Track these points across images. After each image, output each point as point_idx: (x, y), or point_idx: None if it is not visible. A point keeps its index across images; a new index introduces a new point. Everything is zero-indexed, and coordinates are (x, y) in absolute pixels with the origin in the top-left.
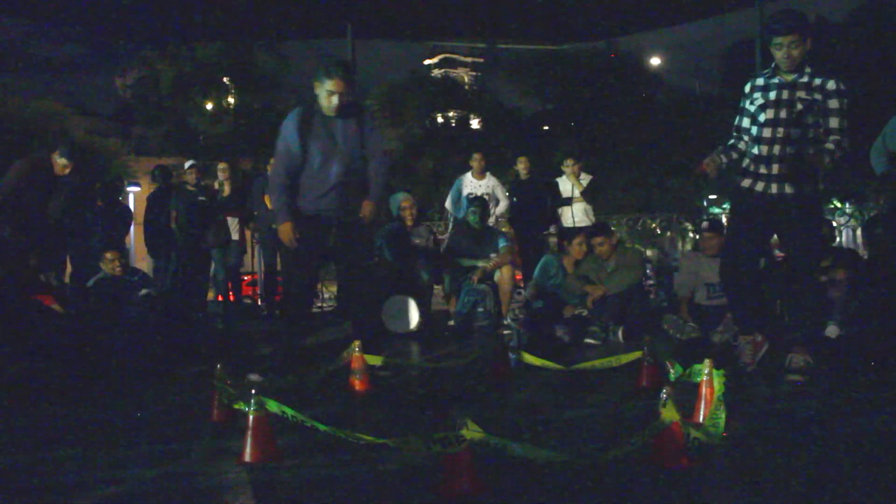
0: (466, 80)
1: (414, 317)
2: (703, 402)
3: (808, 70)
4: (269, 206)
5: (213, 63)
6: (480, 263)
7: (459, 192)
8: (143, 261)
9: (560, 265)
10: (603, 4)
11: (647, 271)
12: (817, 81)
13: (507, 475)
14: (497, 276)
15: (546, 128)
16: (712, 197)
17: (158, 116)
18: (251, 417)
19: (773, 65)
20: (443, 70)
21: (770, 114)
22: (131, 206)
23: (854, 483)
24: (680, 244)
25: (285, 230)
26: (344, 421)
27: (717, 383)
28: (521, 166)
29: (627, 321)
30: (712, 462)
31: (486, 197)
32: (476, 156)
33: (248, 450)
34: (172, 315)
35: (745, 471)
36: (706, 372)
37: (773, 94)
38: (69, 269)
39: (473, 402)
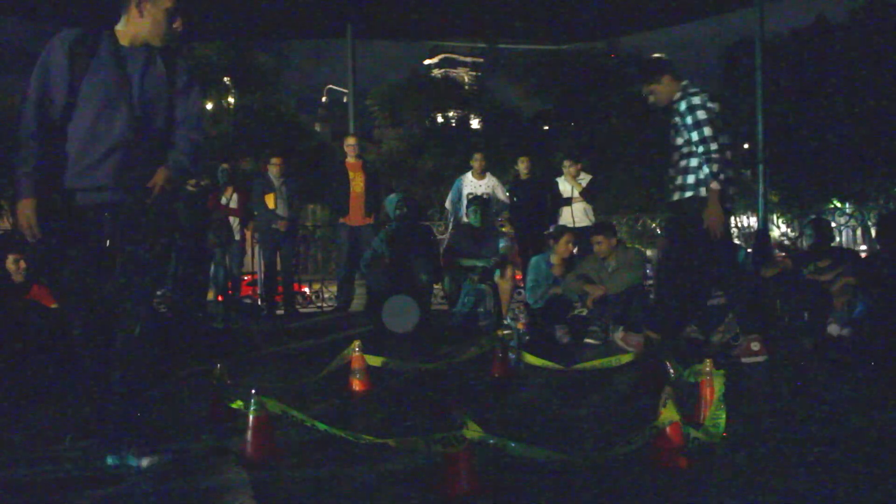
0: (466, 80)
1: (414, 317)
2: (703, 402)
3: (678, 95)
4: (269, 206)
5: (213, 63)
6: (480, 263)
7: (459, 192)
8: None
9: (548, 264)
10: (603, 4)
11: (647, 271)
12: (676, 106)
13: (507, 475)
14: (497, 276)
15: (546, 128)
16: None
17: None
18: (251, 417)
19: None
20: (443, 70)
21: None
22: None
23: (854, 483)
24: None
25: (24, 210)
26: (344, 421)
27: (717, 383)
28: (522, 166)
29: (627, 321)
30: (712, 462)
31: (486, 196)
32: (476, 156)
33: (248, 450)
34: (172, 315)
35: (745, 471)
36: (706, 372)
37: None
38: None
39: (473, 402)
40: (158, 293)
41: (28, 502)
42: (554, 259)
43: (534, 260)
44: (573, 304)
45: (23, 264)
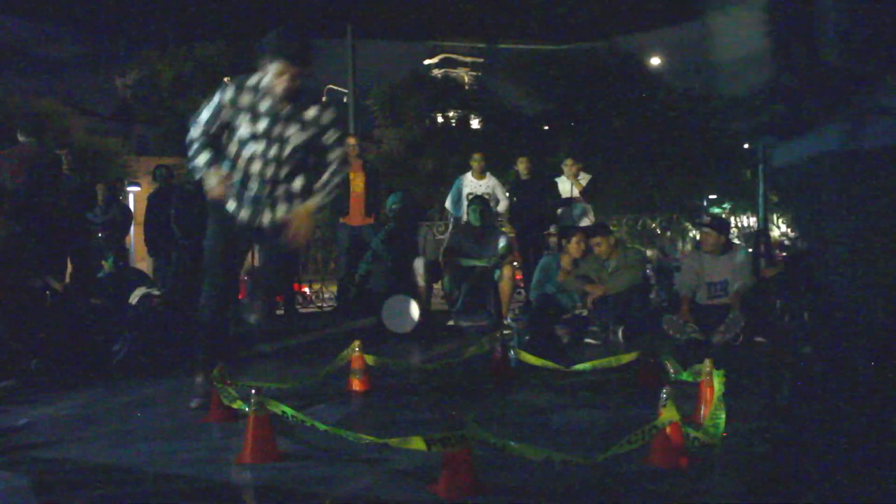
0: (466, 80)
1: (414, 317)
2: (703, 402)
3: None
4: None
5: (213, 63)
6: (480, 263)
7: (459, 192)
8: (142, 261)
9: (558, 265)
10: (603, 4)
11: (647, 271)
12: None
13: (507, 475)
14: (497, 276)
15: (546, 128)
16: (712, 197)
17: (158, 116)
18: (251, 417)
19: None
20: (443, 70)
21: None
22: (131, 206)
23: (854, 483)
24: (680, 244)
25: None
26: (344, 421)
27: (717, 383)
28: (522, 166)
29: (627, 321)
30: (712, 462)
31: (486, 196)
32: (476, 156)
33: (248, 450)
34: (173, 315)
35: (745, 471)
36: (706, 372)
37: None
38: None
39: (473, 402)
40: (157, 293)
41: (28, 502)
42: (564, 260)
43: (544, 260)
44: (569, 306)
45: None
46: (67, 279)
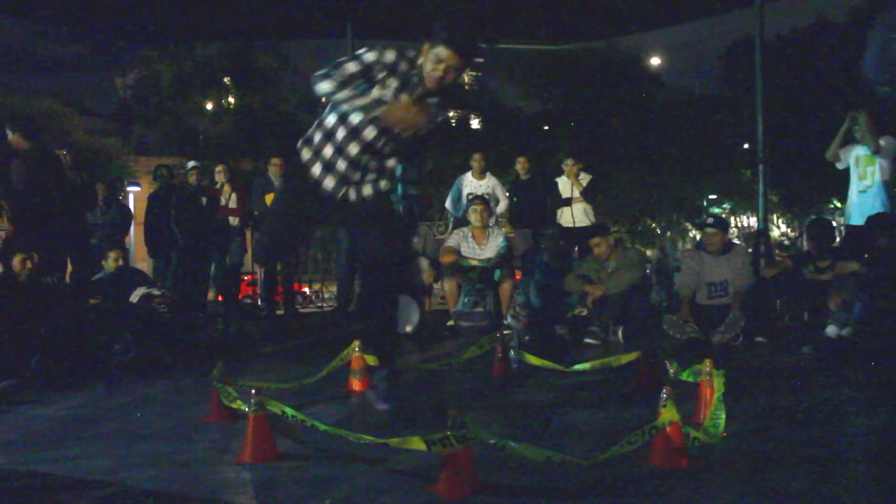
0: (466, 79)
1: (414, 317)
2: (703, 402)
3: None
4: (269, 205)
5: (213, 63)
6: (480, 263)
7: (459, 192)
8: (142, 261)
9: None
10: (603, 4)
11: (647, 271)
12: None
13: (507, 475)
14: (497, 276)
15: (546, 128)
16: (712, 197)
17: (158, 116)
18: (251, 417)
19: None
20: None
21: None
22: (131, 206)
23: (854, 483)
24: (680, 244)
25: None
26: (344, 421)
27: (717, 383)
28: (521, 166)
29: (627, 321)
30: (712, 462)
31: (486, 196)
32: (476, 156)
33: (248, 450)
34: (173, 315)
35: (745, 471)
36: (706, 372)
37: None
38: (69, 269)
39: (473, 402)
40: (157, 293)
41: (28, 502)
42: (591, 262)
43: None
44: (573, 304)
45: (29, 264)
46: (67, 279)
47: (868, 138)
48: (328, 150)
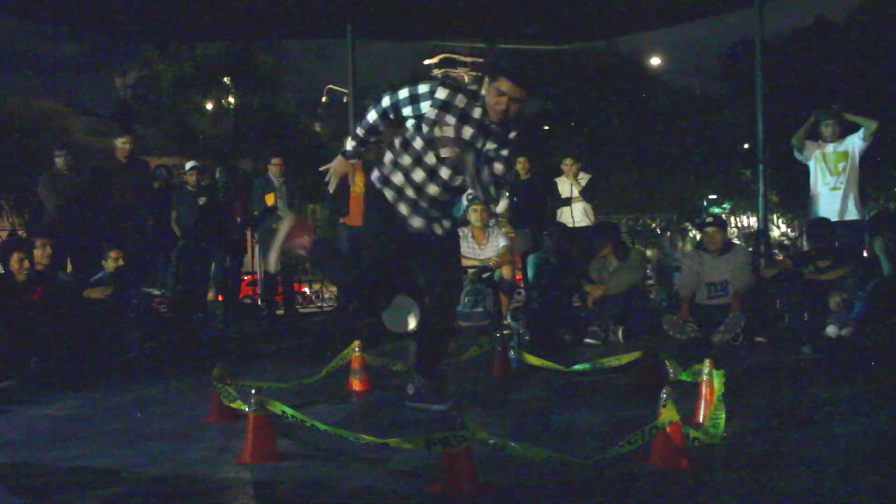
0: (466, 80)
1: (414, 317)
2: (703, 402)
3: None
4: (269, 205)
5: (213, 63)
6: (480, 263)
7: None
8: None
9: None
10: (603, 4)
11: (647, 271)
12: None
13: (507, 475)
14: (497, 276)
15: (546, 128)
16: (712, 197)
17: (158, 116)
18: (251, 417)
19: None
20: (443, 70)
21: None
22: None
23: (854, 483)
24: (680, 244)
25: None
26: (344, 421)
27: (717, 383)
28: (520, 166)
29: (628, 321)
30: (712, 462)
31: None
32: None
33: (248, 450)
34: (173, 315)
35: (745, 471)
36: (706, 372)
37: None
38: (69, 268)
39: (473, 402)
40: (157, 293)
41: (28, 502)
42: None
43: (531, 258)
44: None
45: (27, 263)
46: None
47: (863, 120)
48: (410, 192)
